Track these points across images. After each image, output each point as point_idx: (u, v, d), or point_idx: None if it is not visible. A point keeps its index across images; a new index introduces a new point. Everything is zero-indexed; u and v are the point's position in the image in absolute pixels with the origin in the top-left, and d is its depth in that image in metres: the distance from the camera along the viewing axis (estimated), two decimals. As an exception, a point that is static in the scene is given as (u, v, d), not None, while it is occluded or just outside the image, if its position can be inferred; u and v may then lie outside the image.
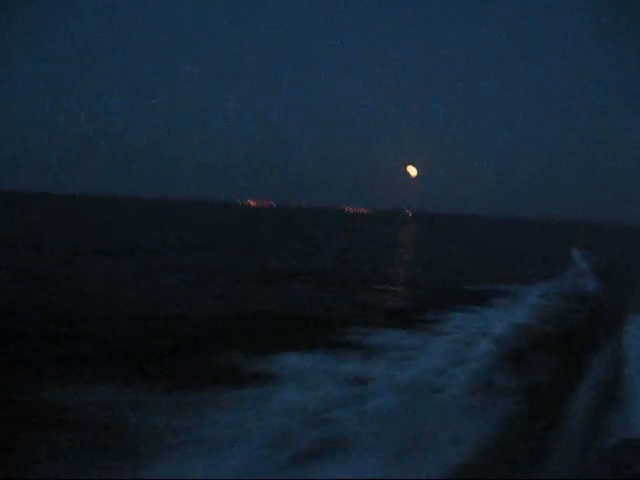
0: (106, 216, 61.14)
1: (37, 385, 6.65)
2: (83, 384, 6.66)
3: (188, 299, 12.87)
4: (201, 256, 23.33)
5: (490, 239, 61.90)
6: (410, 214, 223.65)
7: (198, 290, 14.38)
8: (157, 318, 10.56)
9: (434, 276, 21.28)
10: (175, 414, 6.10)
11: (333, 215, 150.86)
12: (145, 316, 10.62)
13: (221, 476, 4.92)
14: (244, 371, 7.50)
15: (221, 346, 8.65)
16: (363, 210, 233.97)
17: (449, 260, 29.55)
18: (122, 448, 5.28)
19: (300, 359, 8.07)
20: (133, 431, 5.62)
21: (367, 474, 5.01)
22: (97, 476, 4.81)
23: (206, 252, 25.27)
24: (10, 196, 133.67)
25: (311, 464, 5.13)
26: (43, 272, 15.73)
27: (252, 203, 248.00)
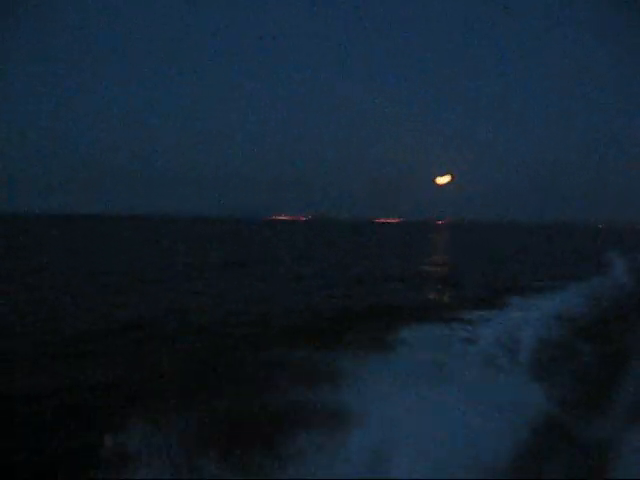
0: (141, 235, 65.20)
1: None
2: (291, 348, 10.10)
3: (320, 297, 16.25)
4: (300, 267, 26.54)
5: (524, 243, 64.19)
6: (441, 222, 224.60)
7: (319, 291, 17.64)
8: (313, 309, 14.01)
9: (491, 276, 24.31)
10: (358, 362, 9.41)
11: (366, 226, 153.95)
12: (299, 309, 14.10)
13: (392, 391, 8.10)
14: (390, 339, 10.81)
15: (364, 326, 12.00)
16: (394, 220, 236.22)
17: (501, 262, 32.40)
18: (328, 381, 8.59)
19: (427, 329, 11.39)
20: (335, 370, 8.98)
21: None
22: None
23: (299, 263, 28.50)
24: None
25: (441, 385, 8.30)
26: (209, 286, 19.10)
27: (283, 217, 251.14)
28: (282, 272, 23.35)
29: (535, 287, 18.69)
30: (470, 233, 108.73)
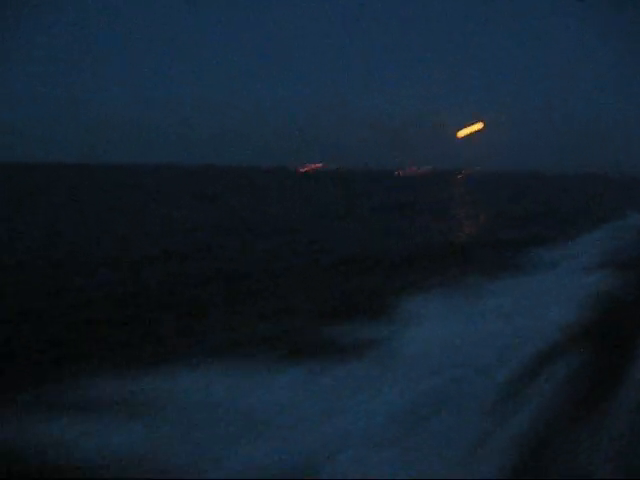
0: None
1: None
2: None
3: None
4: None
5: (553, 193, 71.58)
6: (462, 174, 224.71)
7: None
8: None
9: (550, 217, 34.69)
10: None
11: (393, 177, 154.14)
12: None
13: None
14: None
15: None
16: (417, 171, 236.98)
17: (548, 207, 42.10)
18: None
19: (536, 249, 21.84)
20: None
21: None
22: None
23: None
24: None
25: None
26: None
27: (307, 168, 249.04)
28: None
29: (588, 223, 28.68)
30: (497, 183, 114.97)
